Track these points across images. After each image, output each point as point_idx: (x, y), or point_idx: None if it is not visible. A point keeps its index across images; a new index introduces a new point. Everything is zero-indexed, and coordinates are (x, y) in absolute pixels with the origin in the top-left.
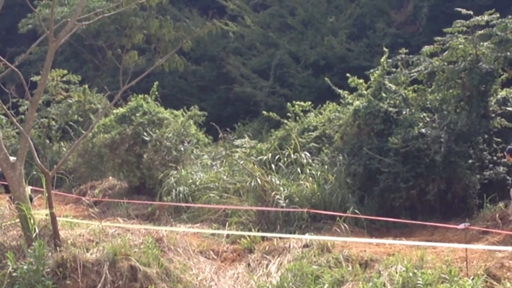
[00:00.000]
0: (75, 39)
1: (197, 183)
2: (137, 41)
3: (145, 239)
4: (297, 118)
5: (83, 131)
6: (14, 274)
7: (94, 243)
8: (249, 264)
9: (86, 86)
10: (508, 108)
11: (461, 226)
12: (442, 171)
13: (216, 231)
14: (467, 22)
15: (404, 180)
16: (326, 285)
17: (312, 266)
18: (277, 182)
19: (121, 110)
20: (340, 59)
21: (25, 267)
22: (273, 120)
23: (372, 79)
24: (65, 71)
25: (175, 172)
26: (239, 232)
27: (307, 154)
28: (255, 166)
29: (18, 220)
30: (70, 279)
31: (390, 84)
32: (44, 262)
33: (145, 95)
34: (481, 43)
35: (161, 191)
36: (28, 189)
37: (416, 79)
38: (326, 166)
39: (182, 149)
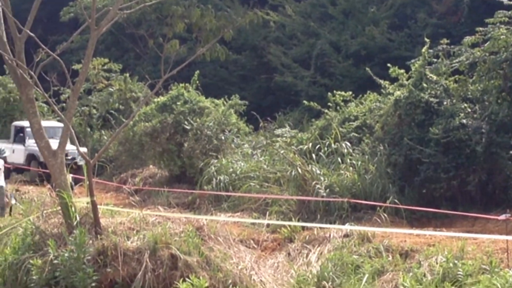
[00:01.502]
0: (116, 28)
1: (238, 172)
2: (179, 30)
3: (186, 228)
4: (338, 108)
5: (124, 120)
6: (55, 261)
7: (134, 232)
8: (289, 254)
9: (127, 74)
10: None
11: (502, 217)
12: (483, 161)
13: (257, 220)
14: (509, 12)
15: (445, 171)
16: (366, 275)
17: (352, 256)
18: (318, 171)
19: (162, 98)
20: (381, 49)
21: (66, 254)
22: (314, 109)
23: (413, 69)
24: (107, 60)
25: (216, 161)
26: (280, 222)
27: (348, 144)
28: (296, 155)
29: (59, 208)
30: (111, 267)
31: (431, 75)
32: (85, 249)
33: (186, 84)
34: None
35: (202, 180)
36: (69, 177)
37: (457, 69)
38: (366, 156)
39: (223, 138)
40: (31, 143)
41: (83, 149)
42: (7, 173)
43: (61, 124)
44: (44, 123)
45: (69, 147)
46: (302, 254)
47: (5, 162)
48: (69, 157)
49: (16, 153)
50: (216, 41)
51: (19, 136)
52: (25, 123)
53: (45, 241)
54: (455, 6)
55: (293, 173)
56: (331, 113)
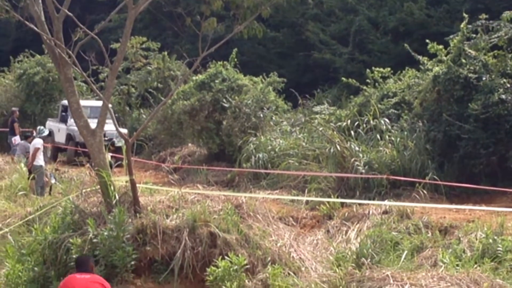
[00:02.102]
0: (154, 6)
1: (276, 150)
2: (216, 8)
3: (225, 206)
4: (376, 84)
5: (163, 98)
6: (95, 240)
7: (173, 210)
8: (328, 231)
9: (165, 53)
10: None
11: None
12: None
13: (296, 198)
14: None
15: (484, 147)
16: (406, 252)
17: (391, 233)
18: (356, 148)
19: (200, 77)
20: (420, 25)
21: (105, 233)
22: (352, 86)
23: (451, 45)
24: (145, 38)
25: (254, 138)
26: (319, 199)
27: (387, 120)
28: (334, 132)
29: (99, 186)
30: (150, 245)
31: (470, 50)
32: (124, 228)
33: (224, 62)
34: None
35: (240, 158)
36: (108, 156)
37: (496, 44)
38: (405, 133)
39: (261, 115)
40: (72, 123)
41: (123, 130)
42: (54, 153)
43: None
44: (91, 103)
45: (107, 127)
46: (341, 231)
47: (52, 142)
48: (107, 138)
49: (60, 132)
50: (254, 19)
51: (63, 115)
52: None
53: (84, 220)
54: None
55: (331, 150)
56: (369, 89)
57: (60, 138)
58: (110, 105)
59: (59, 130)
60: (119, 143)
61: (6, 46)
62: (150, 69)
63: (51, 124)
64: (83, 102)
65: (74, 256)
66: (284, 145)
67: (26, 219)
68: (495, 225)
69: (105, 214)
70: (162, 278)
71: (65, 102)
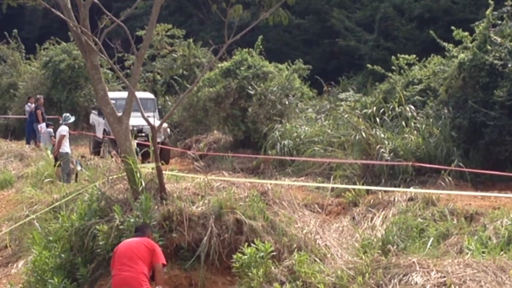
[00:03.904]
0: None
1: (302, 137)
2: None
3: (250, 193)
4: (402, 71)
5: (188, 85)
6: (121, 227)
7: (199, 197)
8: (353, 218)
9: (191, 40)
10: None
11: None
12: None
13: (321, 185)
14: None
15: (510, 133)
16: (431, 239)
17: (417, 220)
18: (382, 135)
19: (225, 64)
20: (445, 12)
21: (132, 220)
22: (378, 73)
23: (477, 31)
24: (170, 26)
25: (280, 125)
26: (344, 186)
27: (412, 107)
28: (360, 119)
29: (125, 173)
30: (176, 232)
31: (496, 37)
32: (150, 215)
33: (250, 49)
34: None
35: (266, 145)
36: (134, 143)
37: None
38: (430, 119)
39: (287, 102)
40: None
41: (163, 124)
42: (96, 147)
43: (151, 96)
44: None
45: (144, 122)
46: (366, 218)
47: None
48: (143, 134)
49: (99, 127)
50: (279, 6)
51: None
52: (110, 95)
53: (111, 207)
54: None
55: (357, 137)
56: (395, 76)
57: (99, 132)
58: (153, 96)
59: (98, 124)
60: (158, 138)
61: (32, 34)
62: (176, 56)
63: (93, 117)
64: (123, 94)
65: (100, 243)
66: (309, 132)
67: (52, 206)
68: None
69: (131, 201)
70: (188, 265)
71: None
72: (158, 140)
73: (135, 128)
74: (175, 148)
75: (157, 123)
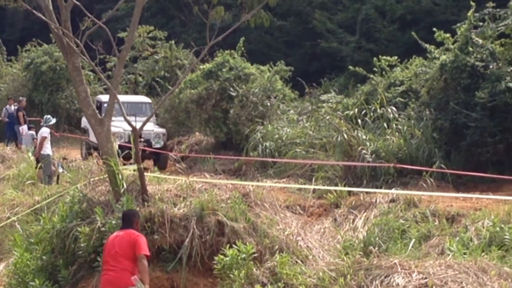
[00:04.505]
0: None
1: (284, 138)
2: None
3: (232, 194)
4: (384, 72)
5: (170, 87)
6: (103, 228)
7: (181, 198)
8: (335, 219)
9: (173, 42)
10: None
11: None
12: None
13: (303, 186)
14: None
15: (491, 135)
16: (413, 240)
17: (398, 221)
18: (364, 137)
19: (207, 65)
20: (427, 13)
21: (113, 221)
22: (359, 75)
23: (459, 33)
24: (152, 27)
25: (262, 127)
26: (326, 187)
27: (394, 108)
28: (341, 121)
29: (106, 175)
30: (158, 233)
31: (477, 38)
32: None
33: (232, 51)
34: None
35: (248, 146)
36: (116, 145)
37: (503, 33)
38: (412, 121)
39: (269, 104)
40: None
41: (161, 130)
42: (88, 152)
43: (147, 99)
44: (128, 98)
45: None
46: (348, 220)
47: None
48: (143, 139)
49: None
50: (261, 7)
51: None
52: (104, 98)
53: (92, 209)
54: None
55: (339, 138)
56: (376, 78)
57: (93, 136)
58: (149, 100)
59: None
60: (157, 144)
61: (14, 36)
62: (157, 58)
63: (86, 120)
64: (119, 98)
65: (82, 245)
66: (291, 134)
67: (34, 208)
68: (502, 213)
69: (113, 203)
70: (170, 267)
71: (99, 97)
72: (158, 145)
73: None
74: (157, 150)
75: (156, 128)
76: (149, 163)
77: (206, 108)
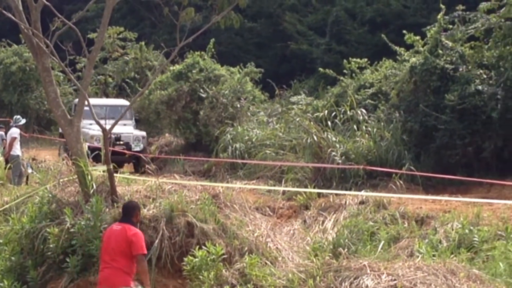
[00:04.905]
0: None
1: (253, 140)
2: None
3: (202, 196)
4: (353, 75)
5: (140, 88)
6: (72, 229)
7: (151, 200)
8: (305, 221)
9: (143, 43)
10: None
11: None
12: (499, 128)
13: (272, 188)
14: None
15: (461, 137)
16: (382, 242)
17: (368, 223)
18: (333, 139)
19: (177, 67)
20: (397, 16)
21: (82, 222)
22: (329, 77)
23: (428, 36)
24: (122, 28)
25: (231, 129)
26: (295, 189)
27: (363, 111)
28: (311, 123)
29: (76, 176)
30: None
31: (447, 41)
32: (101, 218)
33: (202, 52)
34: None
35: (217, 148)
36: (85, 146)
37: (473, 35)
38: (382, 123)
39: (238, 106)
40: (84, 124)
41: (142, 133)
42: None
43: (126, 103)
44: (107, 101)
45: (122, 129)
46: (318, 221)
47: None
48: (122, 142)
49: None
50: (231, 9)
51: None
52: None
53: (61, 210)
54: None
55: (308, 140)
56: (346, 80)
57: None
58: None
59: None
60: (137, 147)
61: None
62: (127, 59)
63: None
64: (98, 101)
65: (51, 246)
66: (261, 136)
67: (3, 208)
68: (471, 215)
69: (82, 204)
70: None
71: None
72: (137, 148)
73: (113, 136)
74: (127, 151)
75: (135, 131)
76: (129, 166)
77: (176, 110)
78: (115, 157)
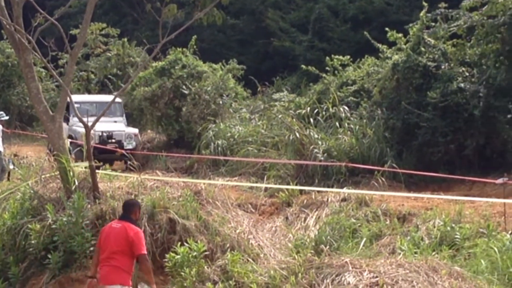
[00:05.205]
0: None
1: (236, 137)
2: None
3: (184, 192)
4: (336, 72)
5: (122, 85)
6: (54, 226)
7: (133, 196)
8: (287, 218)
9: (125, 39)
10: None
11: (499, 180)
12: (481, 125)
13: (255, 185)
14: None
15: (443, 135)
16: (364, 239)
17: (350, 220)
18: (316, 136)
19: (160, 63)
20: (379, 13)
21: (64, 219)
22: (312, 74)
23: (411, 33)
24: (104, 25)
25: (214, 125)
26: (278, 186)
27: (346, 108)
28: (294, 120)
29: (58, 172)
30: None
31: (429, 39)
32: (83, 214)
33: (184, 49)
34: None
35: (200, 145)
36: (67, 142)
37: (455, 33)
38: (364, 120)
39: (221, 102)
40: (74, 122)
41: (135, 130)
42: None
43: (117, 99)
44: (97, 98)
45: (113, 127)
46: (300, 218)
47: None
48: (114, 140)
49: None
50: (214, 6)
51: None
52: (76, 98)
53: (43, 206)
54: None
55: (291, 137)
56: (329, 77)
57: None
58: (119, 100)
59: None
60: (129, 145)
61: None
62: (110, 55)
63: None
64: (88, 97)
65: (32, 242)
66: (243, 132)
67: None
68: (453, 213)
69: (64, 200)
70: None
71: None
72: (130, 146)
73: (104, 134)
74: (108, 147)
75: (127, 129)
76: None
77: (159, 106)
78: (108, 155)
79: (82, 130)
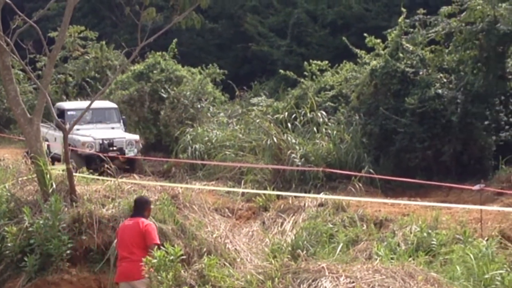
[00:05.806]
0: None
1: (213, 141)
2: None
3: (161, 196)
4: (314, 77)
5: (100, 88)
6: (30, 229)
7: (110, 199)
8: (264, 222)
9: (104, 42)
10: None
11: (476, 187)
12: (458, 132)
13: (232, 189)
14: None
15: (420, 141)
16: (341, 244)
17: (326, 225)
18: (293, 141)
19: (138, 67)
20: (358, 19)
21: (41, 222)
22: (290, 79)
23: (389, 39)
24: (83, 27)
25: (192, 129)
26: (255, 191)
27: (323, 113)
28: (271, 124)
29: (35, 175)
30: (86, 234)
31: (408, 45)
32: (60, 217)
33: (163, 53)
34: (500, 4)
35: (177, 149)
36: (45, 145)
37: (433, 39)
38: (342, 126)
39: (199, 106)
40: (73, 130)
41: (136, 136)
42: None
43: (112, 105)
44: (93, 104)
45: (113, 134)
46: (276, 223)
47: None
48: (116, 147)
49: (56, 142)
50: (193, 10)
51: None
52: (67, 105)
53: (20, 209)
54: None
55: (268, 142)
56: (307, 82)
57: (57, 148)
58: (115, 106)
59: (55, 139)
60: (130, 152)
61: None
62: (88, 58)
63: (44, 131)
64: (83, 104)
65: (9, 245)
66: (220, 137)
67: None
68: (429, 219)
69: (41, 203)
70: (97, 268)
71: (60, 104)
72: (131, 153)
73: (105, 142)
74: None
75: (128, 135)
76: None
77: (137, 110)
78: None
79: (82, 138)
